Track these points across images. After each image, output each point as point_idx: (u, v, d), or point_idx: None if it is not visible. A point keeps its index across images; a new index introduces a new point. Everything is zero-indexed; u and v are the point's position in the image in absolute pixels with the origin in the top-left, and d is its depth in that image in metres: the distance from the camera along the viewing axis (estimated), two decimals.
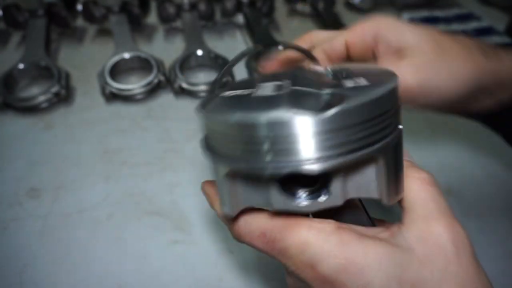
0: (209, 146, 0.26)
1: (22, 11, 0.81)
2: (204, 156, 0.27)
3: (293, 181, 0.25)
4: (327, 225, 0.26)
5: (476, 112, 0.45)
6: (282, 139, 0.22)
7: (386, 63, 0.39)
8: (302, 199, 0.25)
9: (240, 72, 0.76)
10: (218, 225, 0.53)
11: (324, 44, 0.42)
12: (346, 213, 0.30)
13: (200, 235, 0.52)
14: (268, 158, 0.22)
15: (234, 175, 0.26)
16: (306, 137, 0.21)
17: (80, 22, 0.87)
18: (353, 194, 0.26)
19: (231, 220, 0.29)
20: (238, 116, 0.22)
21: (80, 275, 0.47)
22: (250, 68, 0.76)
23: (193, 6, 0.85)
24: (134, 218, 0.53)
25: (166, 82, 0.72)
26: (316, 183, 0.25)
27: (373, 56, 0.41)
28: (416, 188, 0.28)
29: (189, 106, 0.71)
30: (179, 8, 0.85)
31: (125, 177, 0.58)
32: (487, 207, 0.56)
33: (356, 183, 0.26)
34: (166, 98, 0.72)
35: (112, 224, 0.52)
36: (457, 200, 0.56)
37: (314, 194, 0.25)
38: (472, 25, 0.91)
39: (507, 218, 0.54)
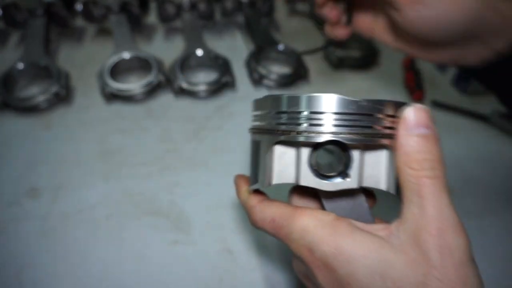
0: (258, 127, 0.33)
1: (21, 11, 0.81)
2: (251, 135, 0.34)
3: (321, 165, 0.31)
4: (326, 216, 0.30)
5: (471, 62, 0.44)
6: (320, 114, 0.29)
7: None
8: (325, 179, 0.31)
9: (240, 72, 0.76)
10: (218, 225, 0.53)
11: None
12: (353, 211, 0.34)
13: (200, 235, 0.51)
14: (314, 128, 0.29)
15: (272, 150, 0.32)
16: (339, 115, 0.28)
17: (79, 22, 0.87)
18: (366, 183, 0.31)
19: (252, 207, 0.34)
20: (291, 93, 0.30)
21: (80, 275, 0.47)
22: (250, 67, 0.76)
23: (193, 6, 0.85)
24: (133, 218, 0.53)
25: (166, 82, 0.72)
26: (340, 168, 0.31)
27: None
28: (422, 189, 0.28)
29: (189, 106, 0.71)
30: (179, 8, 0.85)
31: (125, 177, 0.58)
32: (487, 207, 0.56)
33: (370, 173, 0.31)
34: (166, 98, 0.72)
35: (111, 224, 0.52)
36: (457, 200, 0.56)
37: (335, 177, 0.31)
38: None
39: (507, 218, 0.54)
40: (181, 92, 0.71)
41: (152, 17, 0.90)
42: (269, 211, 0.33)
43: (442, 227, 0.26)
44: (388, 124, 0.29)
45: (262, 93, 0.74)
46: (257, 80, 0.74)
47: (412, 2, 0.40)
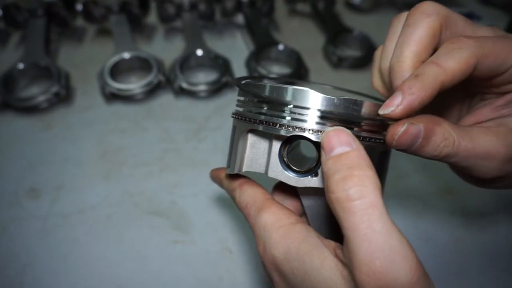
0: (237, 112, 0.33)
1: (21, 11, 0.81)
2: (233, 119, 0.33)
3: (290, 159, 0.31)
4: (286, 218, 0.30)
5: None
6: (297, 108, 0.28)
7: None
8: (293, 174, 0.31)
9: (240, 72, 0.76)
10: (218, 225, 0.53)
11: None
12: (329, 211, 0.33)
13: (200, 235, 0.52)
14: (284, 121, 0.29)
15: (246, 137, 0.32)
16: (314, 112, 0.28)
17: (80, 22, 0.87)
18: None
19: (232, 190, 0.34)
20: (273, 83, 0.31)
21: (80, 275, 0.47)
22: (250, 67, 0.76)
23: (193, 6, 0.85)
24: (134, 218, 0.53)
25: (166, 82, 0.72)
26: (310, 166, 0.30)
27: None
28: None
29: (189, 106, 0.71)
30: (179, 8, 0.85)
31: (125, 177, 0.58)
32: (487, 207, 0.56)
33: None
34: (166, 98, 0.72)
35: (112, 224, 0.52)
36: (457, 200, 0.56)
37: (303, 174, 0.31)
38: None
39: (507, 218, 0.54)
40: (181, 92, 0.71)
41: (152, 17, 0.90)
42: (244, 196, 0.33)
43: (377, 267, 0.23)
44: (366, 127, 0.29)
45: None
46: (257, 80, 0.74)
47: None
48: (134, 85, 0.69)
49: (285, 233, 0.29)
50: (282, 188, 0.36)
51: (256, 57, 0.76)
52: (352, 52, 0.85)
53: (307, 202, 0.33)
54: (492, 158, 0.30)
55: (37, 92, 0.67)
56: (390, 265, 0.23)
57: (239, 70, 0.77)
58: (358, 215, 0.23)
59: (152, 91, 0.71)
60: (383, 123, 0.30)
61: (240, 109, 0.33)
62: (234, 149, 0.33)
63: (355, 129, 0.28)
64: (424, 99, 0.27)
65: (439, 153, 0.29)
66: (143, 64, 0.74)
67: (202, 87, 0.71)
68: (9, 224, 0.52)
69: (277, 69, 0.78)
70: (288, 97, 0.29)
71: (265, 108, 0.30)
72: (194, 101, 0.71)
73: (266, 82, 0.31)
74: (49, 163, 0.60)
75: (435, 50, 0.30)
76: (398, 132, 0.28)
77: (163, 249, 0.50)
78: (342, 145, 0.26)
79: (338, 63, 0.80)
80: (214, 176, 0.39)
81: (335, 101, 0.28)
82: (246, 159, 0.33)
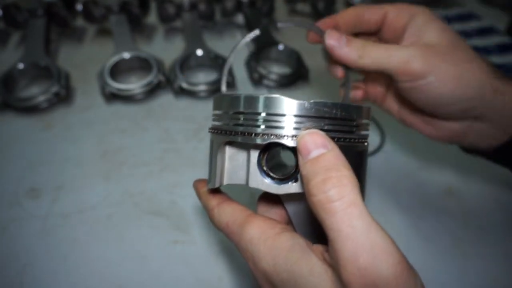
0: (213, 126, 0.33)
1: (21, 11, 0.81)
2: (210, 134, 0.34)
3: (270, 168, 0.31)
4: (271, 229, 0.30)
5: (481, 144, 0.44)
6: (270, 116, 0.29)
7: (407, 41, 0.41)
8: (273, 182, 0.31)
9: (240, 71, 0.76)
10: None
11: (365, 7, 0.44)
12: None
13: (200, 235, 0.52)
14: (259, 130, 0.29)
15: (224, 150, 0.33)
16: (289, 118, 0.28)
17: (80, 22, 0.87)
18: None
19: (210, 209, 0.34)
20: (246, 93, 0.30)
21: (80, 275, 0.47)
22: (250, 67, 0.76)
23: (193, 6, 0.85)
24: (134, 218, 0.53)
25: (166, 82, 0.72)
26: (288, 174, 0.31)
27: (401, 33, 0.43)
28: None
29: (189, 106, 0.71)
30: (179, 8, 0.85)
31: (125, 177, 0.58)
32: (487, 207, 0.56)
33: None
34: (166, 98, 0.72)
35: (112, 224, 0.52)
36: (457, 200, 0.56)
37: (283, 180, 0.31)
38: (473, 24, 0.91)
39: (507, 218, 0.54)
40: (181, 92, 0.71)
41: (152, 17, 0.90)
42: (224, 215, 0.33)
43: (361, 263, 0.23)
44: (340, 127, 0.29)
45: (262, 93, 0.74)
46: (257, 80, 0.74)
47: (410, 78, 0.39)
48: (134, 85, 0.69)
49: (272, 244, 0.29)
50: (266, 198, 0.36)
51: (256, 57, 0.76)
52: None
53: (291, 208, 0.34)
54: (414, 71, 0.38)
55: (37, 92, 0.67)
56: (373, 261, 0.23)
57: (239, 70, 0.77)
58: (339, 215, 0.24)
59: (152, 91, 0.71)
60: (355, 122, 0.30)
61: (216, 123, 0.33)
62: (214, 163, 0.33)
63: (329, 130, 0.29)
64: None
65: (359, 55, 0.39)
66: (143, 64, 0.74)
67: (202, 87, 0.71)
68: (9, 224, 0.52)
69: (277, 69, 0.78)
70: (261, 106, 0.29)
71: (240, 120, 0.30)
72: (194, 101, 0.71)
73: (239, 93, 0.31)
74: (49, 163, 0.60)
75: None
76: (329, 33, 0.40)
77: (163, 249, 0.50)
78: (318, 148, 0.26)
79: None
80: (195, 189, 0.39)
81: (306, 105, 0.28)
82: (226, 172, 0.33)
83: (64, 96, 0.68)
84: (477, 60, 0.40)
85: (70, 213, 0.53)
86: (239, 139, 0.30)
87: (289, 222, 0.36)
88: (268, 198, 0.35)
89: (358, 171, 0.31)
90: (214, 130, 0.32)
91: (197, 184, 0.38)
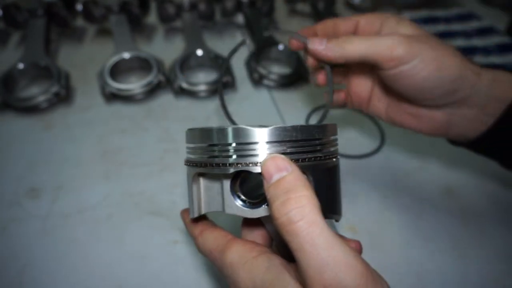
0: (187, 159, 0.35)
1: (21, 11, 0.81)
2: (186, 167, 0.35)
3: (244, 193, 0.33)
4: (248, 253, 0.31)
5: (466, 132, 0.44)
6: (241, 145, 0.30)
7: (385, 35, 0.42)
8: (248, 206, 0.32)
9: (240, 72, 0.76)
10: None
11: (338, 19, 0.47)
12: None
13: None
14: (228, 160, 0.30)
15: (199, 181, 0.35)
16: (254, 145, 0.30)
17: (80, 22, 0.87)
18: None
19: (195, 238, 0.36)
20: (215, 126, 0.32)
21: (80, 275, 0.47)
22: (250, 67, 0.76)
23: (193, 6, 0.85)
24: (134, 218, 0.53)
25: (166, 82, 0.72)
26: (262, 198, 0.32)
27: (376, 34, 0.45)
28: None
29: (189, 106, 0.71)
30: (179, 8, 0.85)
31: (125, 177, 0.58)
32: (486, 207, 0.56)
33: None
34: (166, 98, 0.72)
35: (112, 224, 0.52)
36: (457, 200, 0.56)
37: (256, 205, 0.32)
38: (473, 24, 0.91)
39: (507, 217, 0.54)
40: (181, 92, 0.71)
41: (152, 17, 0.90)
42: (207, 243, 0.34)
43: (326, 280, 0.24)
44: (303, 149, 0.31)
45: (262, 93, 0.74)
46: (257, 80, 0.74)
47: (396, 64, 0.40)
48: (134, 85, 0.69)
49: (250, 267, 0.30)
50: (249, 221, 0.36)
51: (256, 57, 0.76)
52: None
53: (271, 229, 0.35)
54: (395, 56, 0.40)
55: (37, 92, 0.67)
56: (336, 276, 0.24)
57: (239, 70, 0.77)
58: (301, 236, 0.25)
59: (152, 91, 0.71)
60: (319, 141, 0.32)
61: (190, 156, 0.35)
62: (191, 194, 0.35)
63: (292, 153, 0.30)
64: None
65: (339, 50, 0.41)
66: (143, 64, 0.74)
67: (202, 87, 0.71)
68: (9, 224, 0.52)
69: (277, 69, 0.78)
70: (230, 137, 0.31)
71: (211, 151, 0.32)
72: (194, 101, 0.71)
73: (209, 127, 0.33)
74: (49, 163, 0.60)
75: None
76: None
77: (163, 249, 0.50)
78: (280, 171, 0.27)
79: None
80: (182, 219, 0.39)
81: (267, 131, 0.30)
82: (203, 201, 0.35)
83: (64, 96, 0.68)
84: (452, 47, 0.42)
85: (70, 213, 0.53)
86: (209, 170, 0.32)
87: (271, 243, 0.37)
88: (251, 221, 0.36)
89: (330, 186, 0.33)
90: (188, 163, 0.34)
91: (183, 213, 0.39)
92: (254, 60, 0.76)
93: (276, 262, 0.30)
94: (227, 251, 0.32)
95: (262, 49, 0.78)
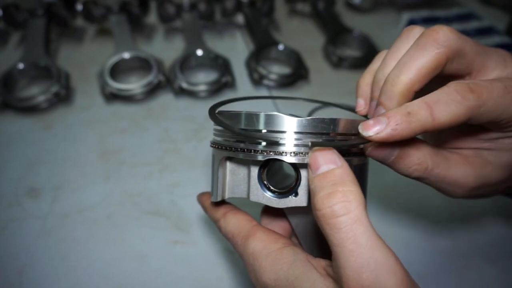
0: (214, 141, 0.34)
1: (21, 11, 0.81)
2: (212, 149, 0.34)
3: (271, 182, 0.32)
4: (273, 244, 0.30)
5: None
6: (271, 132, 0.29)
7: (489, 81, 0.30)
8: (274, 195, 0.31)
9: (240, 71, 0.76)
10: None
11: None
12: (318, 229, 0.34)
13: (200, 235, 0.51)
14: (260, 147, 0.29)
15: (225, 165, 0.33)
16: (288, 134, 0.29)
17: (80, 22, 0.87)
18: None
19: (217, 220, 0.35)
20: (247, 111, 0.31)
21: (80, 275, 0.47)
22: (250, 67, 0.76)
23: (193, 6, 0.85)
24: (133, 218, 0.53)
25: (166, 82, 0.72)
26: (290, 187, 0.31)
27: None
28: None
29: (189, 106, 0.71)
30: (179, 8, 0.85)
31: (125, 177, 0.58)
32: (487, 207, 0.56)
33: None
34: (166, 98, 0.72)
35: (111, 224, 0.52)
36: (457, 200, 0.56)
37: (284, 194, 0.31)
38: (473, 24, 0.91)
39: (507, 217, 0.54)
40: (181, 92, 0.71)
41: (152, 17, 0.90)
42: (230, 226, 0.33)
43: (364, 281, 0.23)
44: (339, 144, 0.30)
45: (262, 93, 0.74)
46: (257, 80, 0.74)
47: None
48: (134, 85, 0.69)
49: (274, 259, 0.29)
50: (269, 210, 0.36)
51: (256, 57, 0.76)
52: (352, 52, 0.85)
53: (294, 221, 0.34)
54: (461, 187, 0.32)
55: (37, 92, 0.67)
56: (376, 279, 0.23)
57: (239, 70, 0.77)
58: (344, 231, 0.24)
59: (152, 91, 0.71)
60: (354, 137, 0.31)
61: (218, 138, 0.34)
62: (215, 177, 0.34)
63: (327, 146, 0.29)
64: (403, 138, 0.28)
65: (410, 173, 0.31)
66: (143, 64, 0.74)
67: (202, 87, 0.71)
68: (8, 224, 0.52)
69: (277, 69, 0.78)
70: (261, 123, 0.30)
71: (239, 136, 0.31)
72: (194, 101, 0.71)
73: (238, 110, 0.32)
74: (48, 163, 0.60)
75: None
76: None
77: (163, 249, 0.50)
78: (327, 163, 0.26)
79: (338, 63, 0.80)
80: (200, 202, 0.39)
81: (304, 122, 0.29)
82: (228, 185, 0.34)
83: (64, 96, 0.68)
84: None
85: (70, 213, 0.53)
86: (240, 155, 0.30)
87: (292, 235, 0.36)
88: (271, 210, 0.35)
89: (360, 184, 0.31)
90: (216, 145, 0.33)
91: (201, 198, 0.38)
92: (254, 60, 0.76)
93: (301, 256, 0.29)
94: (250, 238, 0.31)
95: (262, 49, 0.78)
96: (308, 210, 0.32)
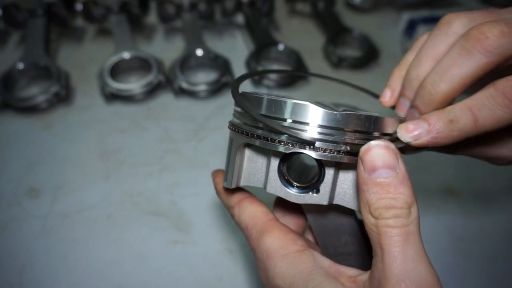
0: (234, 123, 0.30)
1: (21, 11, 0.80)
2: (229, 130, 0.31)
3: (291, 175, 0.29)
4: (292, 245, 0.28)
5: None
6: (297, 124, 0.26)
7: None
8: (293, 189, 0.29)
9: (240, 71, 0.76)
10: (218, 225, 0.53)
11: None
12: (336, 233, 0.32)
13: (200, 235, 0.51)
14: (283, 137, 0.26)
15: (243, 151, 0.30)
16: (315, 127, 0.26)
17: (80, 22, 0.87)
18: (337, 200, 0.29)
19: (231, 207, 0.32)
20: (273, 96, 0.28)
21: (80, 275, 0.47)
22: (250, 67, 0.76)
23: (193, 6, 0.85)
24: (133, 218, 0.53)
25: (166, 82, 0.72)
26: (311, 182, 0.28)
27: None
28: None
29: (189, 106, 0.71)
30: (179, 8, 0.85)
31: (125, 177, 0.58)
32: (486, 207, 0.56)
33: (343, 192, 0.29)
34: (166, 98, 0.72)
35: (111, 224, 0.52)
36: (457, 200, 0.56)
37: (305, 189, 0.29)
38: None
39: (507, 217, 0.54)
40: (181, 92, 0.71)
41: (152, 17, 0.90)
42: (244, 216, 0.31)
43: None
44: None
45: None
46: (257, 80, 0.74)
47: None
48: (134, 85, 0.69)
49: (291, 263, 0.27)
50: (283, 203, 0.34)
51: (256, 57, 0.76)
52: (352, 52, 0.85)
53: (312, 218, 0.32)
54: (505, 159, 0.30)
55: (37, 92, 0.67)
56: None
57: (239, 70, 0.77)
58: (393, 238, 0.23)
59: (152, 91, 0.71)
60: (389, 137, 0.28)
61: (237, 121, 0.30)
62: (231, 162, 0.31)
63: (359, 144, 0.26)
64: (443, 145, 0.27)
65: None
66: (143, 64, 0.74)
67: (202, 87, 0.71)
68: (9, 224, 0.52)
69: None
70: (287, 112, 0.26)
71: (263, 124, 0.28)
72: (194, 101, 0.71)
73: (263, 94, 0.29)
74: (48, 163, 0.60)
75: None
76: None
77: (163, 249, 0.50)
78: (386, 168, 0.24)
79: (338, 63, 0.80)
80: (214, 182, 0.36)
81: (337, 116, 0.26)
82: (244, 173, 0.31)
83: (64, 96, 0.68)
84: None
85: (69, 213, 0.53)
86: (261, 143, 0.27)
87: (305, 231, 0.35)
88: (286, 203, 0.33)
89: None
90: (235, 128, 0.30)
91: (215, 176, 0.35)
92: (254, 60, 0.76)
93: (323, 263, 0.27)
94: (266, 234, 0.29)
95: (262, 49, 0.78)
96: (328, 208, 0.30)
